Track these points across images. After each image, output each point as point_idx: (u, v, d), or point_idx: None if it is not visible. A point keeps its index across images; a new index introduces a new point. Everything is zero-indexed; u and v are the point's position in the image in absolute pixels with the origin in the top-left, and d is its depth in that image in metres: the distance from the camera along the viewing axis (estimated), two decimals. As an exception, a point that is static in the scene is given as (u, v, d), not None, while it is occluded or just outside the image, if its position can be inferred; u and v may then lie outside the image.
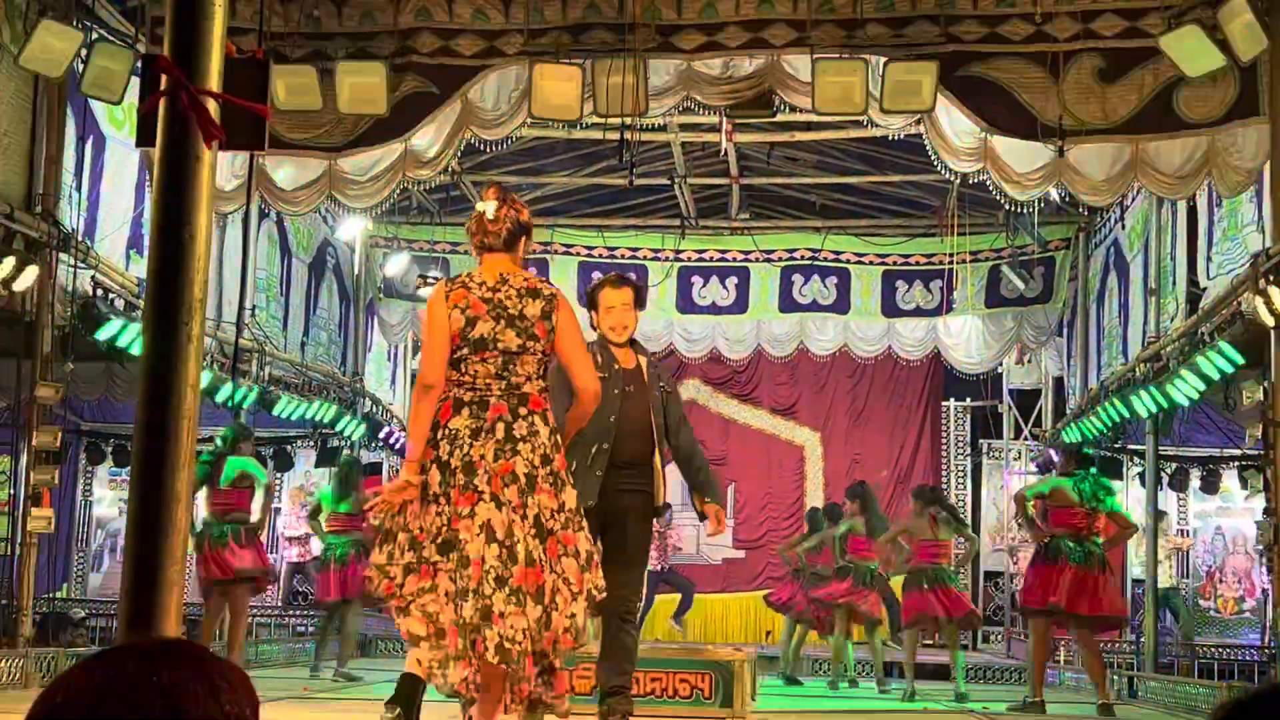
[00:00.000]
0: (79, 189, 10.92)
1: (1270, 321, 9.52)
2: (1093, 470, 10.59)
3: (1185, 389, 11.49)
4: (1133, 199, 12.77)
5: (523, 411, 4.95)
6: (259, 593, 11.47)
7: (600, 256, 16.82)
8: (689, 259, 16.81)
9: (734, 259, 16.79)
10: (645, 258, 16.82)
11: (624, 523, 6.25)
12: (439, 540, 4.81)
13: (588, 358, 5.29)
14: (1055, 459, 12.61)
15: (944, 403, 18.80)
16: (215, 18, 3.28)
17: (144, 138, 3.25)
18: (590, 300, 6.53)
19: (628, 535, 6.28)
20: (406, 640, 4.94)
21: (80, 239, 10.66)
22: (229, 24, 3.40)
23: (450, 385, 4.98)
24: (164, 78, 3.14)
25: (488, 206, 5.17)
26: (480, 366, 4.96)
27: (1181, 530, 16.75)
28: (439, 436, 4.91)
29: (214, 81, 3.22)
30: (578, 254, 16.83)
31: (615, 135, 12.42)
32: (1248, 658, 14.59)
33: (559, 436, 5.06)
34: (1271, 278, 9.52)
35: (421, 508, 4.87)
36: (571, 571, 4.88)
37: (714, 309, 16.82)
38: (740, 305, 16.79)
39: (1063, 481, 10.38)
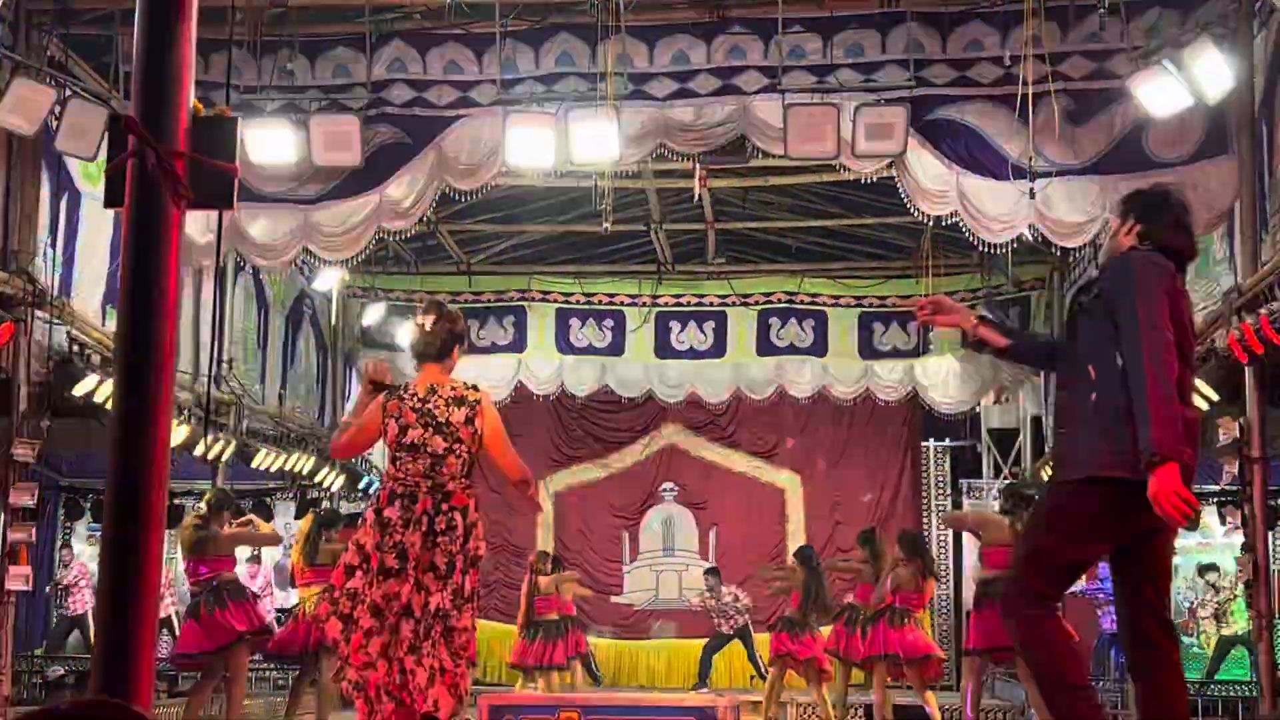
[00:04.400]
0: (54, 245, 10.90)
1: (1244, 358, 9.56)
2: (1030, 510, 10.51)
3: (1162, 426, 11.48)
4: (1105, 239, 12.82)
5: (444, 507, 5.72)
6: (256, 651, 11.14)
7: (577, 303, 16.85)
8: (666, 304, 16.85)
9: (711, 303, 16.83)
10: (622, 303, 16.85)
11: None
12: (368, 604, 5.68)
13: (511, 451, 5.97)
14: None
15: (923, 443, 18.79)
16: (182, 77, 3.29)
17: (112, 198, 3.25)
18: None
19: None
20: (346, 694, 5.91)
21: (56, 295, 10.63)
22: (200, 78, 3.41)
23: (388, 479, 5.86)
24: (131, 138, 3.14)
25: (426, 320, 5.96)
26: (412, 465, 5.76)
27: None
28: (373, 522, 5.75)
29: (181, 140, 3.22)
30: (555, 301, 16.86)
31: (590, 183, 12.49)
32: (1233, 693, 14.55)
33: (478, 526, 5.81)
34: (1244, 314, 9.57)
35: (348, 578, 5.76)
36: (445, 658, 5.68)
37: (692, 353, 16.83)
38: (718, 349, 16.81)
39: (996, 518, 10.33)
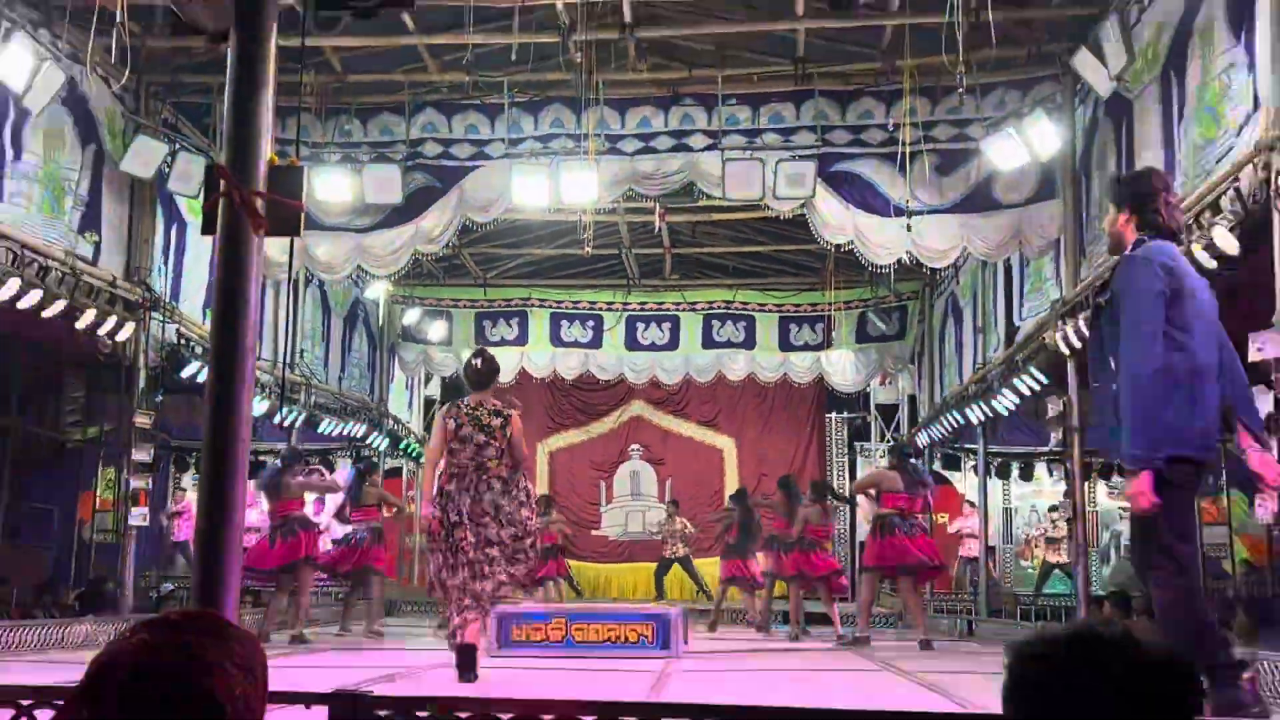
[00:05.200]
0: (166, 263, 10.83)
1: (1066, 351, 9.64)
2: (910, 461, 10.52)
3: (1005, 402, 11.60)
4: (964, 262, 12.90)
5: (485, 476, 6.29)
6: (317, 569, 10.98)
7: (567, 308, 16.83)
8: (634, 309, 16.84)
9: (667, 309, 16.83)
10: (601, 308, 16.84)
11: None
12: (448, 550, 6.24)
13: (522, 449, 6.44)
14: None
15: (827, 415, 18.86)
16: (263, 135, 3.28)
17: (208, 227, 3.23)
18: None
19: None
20: (441, 615, 6.56)
21: (167, 300, 10.57)
22: (277, 136, 3.39)
23: (449, 465, 6.34)
24: (222, 181, 3.13)
25: (477, 361, 6.58)
26: (463, 454, 6.32)
27: (1006, 509, 16.88)
28: (441, 497, 6.30)
29: (260, 184, 3.21)
30: (550, 306, 16.83)
31: (575, 217, 12.46)
32: (1056, 604, 14.69)
33: (517, 489, 6.34)
34: (1066, 319, 9.64)
35: (441, 537, 6.28)
36: (500, 563, 6.22)
37: (653, 347, 16.82)
38: (673, 344, 16.82)
39: (889, 473, 10.35)
